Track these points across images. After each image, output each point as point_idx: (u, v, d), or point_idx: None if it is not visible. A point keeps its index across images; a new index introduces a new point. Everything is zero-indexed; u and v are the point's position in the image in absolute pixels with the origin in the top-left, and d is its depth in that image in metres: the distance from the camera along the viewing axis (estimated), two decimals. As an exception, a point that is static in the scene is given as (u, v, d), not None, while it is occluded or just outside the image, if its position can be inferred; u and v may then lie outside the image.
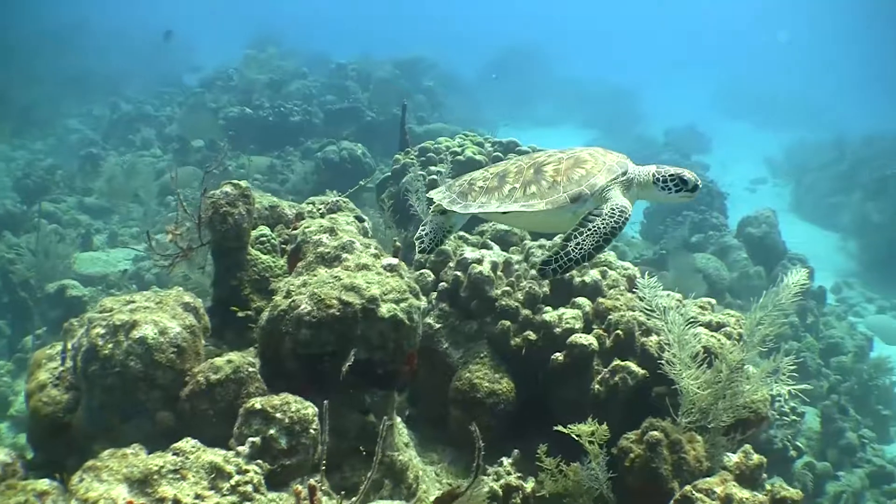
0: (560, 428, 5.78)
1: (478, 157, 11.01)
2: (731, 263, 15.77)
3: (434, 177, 10.68)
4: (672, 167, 5.18)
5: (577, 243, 4.79)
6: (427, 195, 5.93)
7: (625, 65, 55.97)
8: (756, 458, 6.12)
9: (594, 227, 4.81)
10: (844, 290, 22.50)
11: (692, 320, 6.37)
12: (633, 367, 6.52)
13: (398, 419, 6.29)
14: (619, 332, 6.72)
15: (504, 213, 5.18)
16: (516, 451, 6.18)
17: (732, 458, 6.09)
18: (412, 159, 11.46)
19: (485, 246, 7.82)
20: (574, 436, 5.71)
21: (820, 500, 11.38)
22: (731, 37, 72.46)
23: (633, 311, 6.94)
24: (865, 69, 57.00)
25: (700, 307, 7.17)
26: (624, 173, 5.15)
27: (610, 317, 6.89)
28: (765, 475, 6.24)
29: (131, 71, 34.02)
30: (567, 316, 6.91)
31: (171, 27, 31.97)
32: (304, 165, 19.34)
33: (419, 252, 5.84)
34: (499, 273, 7.08)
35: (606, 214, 4.85)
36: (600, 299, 7.11)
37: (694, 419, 6.16)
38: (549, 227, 5.66)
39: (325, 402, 4.23)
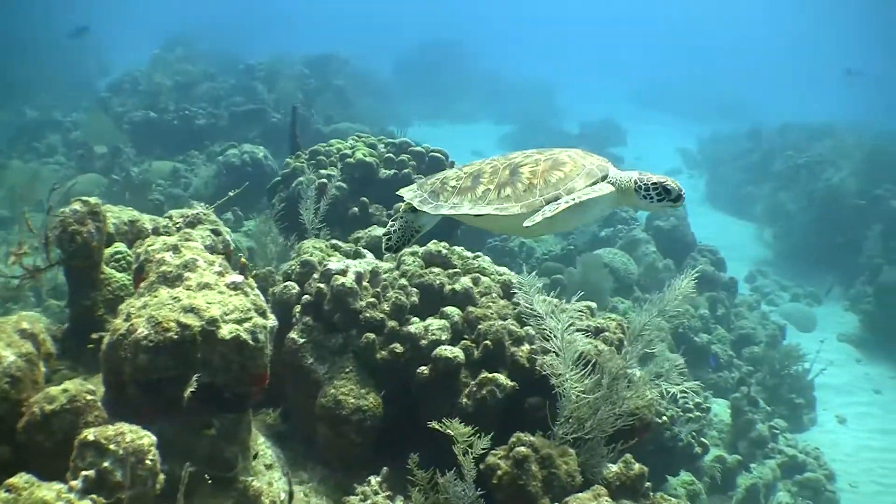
0: (434, 425, 5.59)
1: (368, 158, 10.73)
2: (640, 257, 15.64)
3: (324, 180, 10.40)
4: (655, 175, 5.01)
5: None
6: (397, 192, 5.56)
7: (543, 60, 56.09)
8: (637, 467, 5.97)
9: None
10: (759, 280, 22.63)
11: (570, 326, 6.15)
12: (502, 379, 6.27)
13: (261, 439, 5.99)
14: (487, 342, 6.47)
15: (477, 215, 5.03)
16: (385, 468, 5.92)
17: (612, 469, 5.92)
18: (303, 163, 11.15)
19: (357, 254, 7.52)
20: (452, 441, 5.51)
21: (732, 494, 11.29)
22: (650, 32, 73.05)
23: (505, 319, 6.70)
24: (781, 61, 57.73)
25: (579, 311, 6.95)
26: (604, 178, 5.00)
27: (480, 326, 6.62)
28: (648, 483, 6.08)
29: (44, 76, 33.24)
30: (433, 327, 6.62)
31: (86, 27, 31.36)
32: (207, 169, 18.92)
33: (385, 250, 5.60)
34: (364, 284, 6.77)
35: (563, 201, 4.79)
36: (470, 308, 6.82)
37: (571, 430, 5.98)
38: (524, 230, 5.23)
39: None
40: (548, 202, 4.77)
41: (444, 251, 7.43)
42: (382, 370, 6.53)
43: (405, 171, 10.73)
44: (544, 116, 39.63)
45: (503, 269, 7.71)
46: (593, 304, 7.50)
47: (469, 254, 7.68)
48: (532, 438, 5.76)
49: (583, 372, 6.04)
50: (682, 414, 9.93)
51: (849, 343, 19.86)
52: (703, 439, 10.15)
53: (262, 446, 5.95)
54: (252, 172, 16.79)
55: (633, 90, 55.62)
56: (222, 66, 30.85)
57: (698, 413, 10.15)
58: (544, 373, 6.08)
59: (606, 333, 7.06)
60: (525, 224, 4.75)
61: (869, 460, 14.88)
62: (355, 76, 34.76)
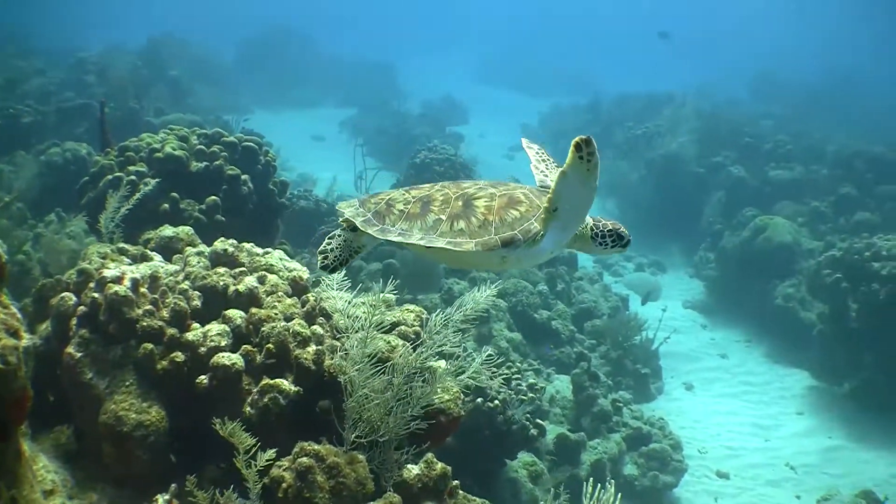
0: (219, 429, 5.26)
1: (178, 152, 10.13)
2: (478, 237, 15.41)
3: (133, 178, 9.82)
4: (607, 220, 5.09)
5: None
6: (337, 207, 5.27)
7: (384, 42, 55.75)
8: (440, 467, 5.66)
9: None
10: (604, 251, 22.67)
11: (362, 323, 5.83)
12: (285, 384, 5.82)
13: (42, 462, 5.49)
14: (270, 345, 6.03)
15: (427, 247, 4.78)
16: (174, 485, 5.48)
17: (413, 471, 5.60)
18: (112, 160, 10.53)
19: (144, 258, 6.98)
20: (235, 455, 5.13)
21: (577, 472, 11.12)
22: (490, 9, 73.35)
23: (291, 320, 6.28)
24: (621, 31, 58.49)
25: (373, 306, 6.56)
26: None
27: (263, 329, 6.18)
28: (455, 482, 5.78)
29: None
30: (212, 333, 6.05)
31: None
32: (30, 170, 18.01)
33: (321, 268, 5.23)
34: (143, 290, 6.24)
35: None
36: (254, 310, 6.35)
37: (364, 433, 5.64)
38: (473, 265, 5.24)
39: None
40: (503, 242, 4.68)
41: (231, 249, 6.92)
42: (165, 381, 5.99)
43: (216, 162, 10.20)
44: (386, 98, 39.19)
45: (294, 265, 7.21)
46: (392, 297, 7.08)
47: (259, 250, 7.18)
48: (317, 447, 5.38)
49: (372, 371, 5.69)
50: (514, 396, 9.68)
51: (694, 309, 20.10)
52: (538, 420, 9.93)
53: (43, 471, 5.44)
54: (76, 171, 15.95)
55: (475, 68, 55.93)
56: (55, 61, 29.66)
57: (532, 394, 9.93)
58: (335, 375, 5.74)
59: (403, 327, 6.70)
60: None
61: (717, 425, 15.05)
62: (194, 64, 34.00)
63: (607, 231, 5.03)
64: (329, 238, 5.26)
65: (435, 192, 5.03)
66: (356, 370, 5.65)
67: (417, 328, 6.61)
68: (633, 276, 21.41)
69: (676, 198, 24.04)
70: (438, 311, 6.15)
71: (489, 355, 6.28)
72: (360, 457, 5.46)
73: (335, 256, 5.19)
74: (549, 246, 4.86)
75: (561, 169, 4.44)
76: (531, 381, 10.30)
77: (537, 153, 5.80)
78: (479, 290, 6.10)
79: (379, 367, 5.80)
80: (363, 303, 6.30)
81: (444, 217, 4.80)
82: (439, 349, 5.91)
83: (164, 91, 28.31)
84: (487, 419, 9.29)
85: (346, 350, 5.72)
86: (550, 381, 13.30)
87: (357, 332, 5.79)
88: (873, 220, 21.49)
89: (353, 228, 5.12)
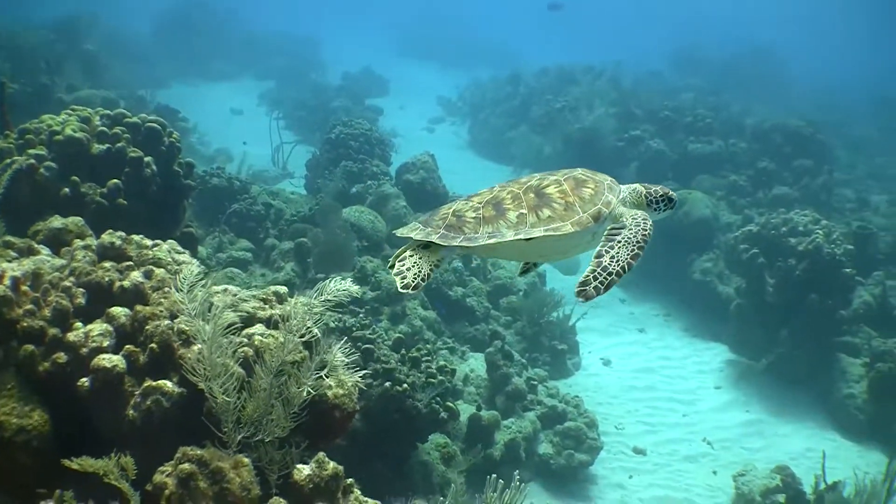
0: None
1: (78, 134, 9.58)
2: (390, 213, 15.06)
3: (32, 161, 9.31)
4: (656, 186, 5.32)
5: (612, 256, 4.74)
6: (398, 234, 5.10)
7: (305, 14, 55.08)
8: (331, 466, 5.32)
9: (624, 238, 4.81)
10: (520, 227, 22.46)
11: (232, 322, 5.47)
12: (168, 386, 5.43)
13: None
14: (153, 345, 5.63)
15: (528, 239, 4.73)
16: (58, 491, 5.09)
17: (304, 472, 5.28)
18: (11, 143, 9.99)
19: (31, 251, 6.47)
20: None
21: (491, 451, 10.92)
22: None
23: (177, 317, 5.86)
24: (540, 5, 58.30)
25: (262, 300, 6.17)
26: (620, 191, 5.16)
27: (147, 327, 5.76)
28: (349, 480, 5.47)
29: None
30: (94, 333, 5.60)
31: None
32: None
33: (402, 288, 4.85)
34: (24, 288, 5.78)
35: (632, 224, 4.88)
36: (138, 307, 5.90)
37: (249, 434, 5.30)
38: (564, 252, 5.24)
39: None
40: (593, 218, 4.80)
41: (119, 242, 6.46)
42: (48, 384, 5.56)
43: (119, 144, 9.71)
44: (305, 70, 38.80)
45: (183, 258, 6.75)
46: (283, 290, 6.64)
47: (148, 242, 6.71)
48: (200, 452, 5.03)
49: (225, 378, 5.34)
50: (423, 379, 9.42)
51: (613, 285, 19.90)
52: (449, 403, 9.68)
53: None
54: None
55: (396, 41, 55.59)
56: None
57: (441, 377, 9.66)
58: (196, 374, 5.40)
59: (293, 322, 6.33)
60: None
61: (634, 400, 14.97)
62: (110, 38, 33.07)
63: (660, 196, 5.25)
64: (400, 260, 4.97)
65: (498, 192, 4.99)
66: (219, 371, 5.30)
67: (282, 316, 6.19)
68: (550, 251, 21.21)
69: (593, 169, 23.81)
70: (299, 297, 5.76)
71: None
72: (246, 460, 5.13)
73: (415, 274, 4.87)
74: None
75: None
76: (441, 362, 10.02)
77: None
78: (330, 285, 5.71)
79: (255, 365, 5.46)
80: (244, 297, 5.96)
81: (524, 211, 4.79)
82: (302, 339, 5.54)
83: (79, 66, 27.41)
84: (396, 403, 9.09)
85: (213, 348, 5.34)
86: (465, 359, 13.12)
87: (225, 330, 5.43)
88: (791, 195, 21.63)
89: (424, 246, 4.95)
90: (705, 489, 12.74)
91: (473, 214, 4.86)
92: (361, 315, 10.96)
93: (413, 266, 4.87)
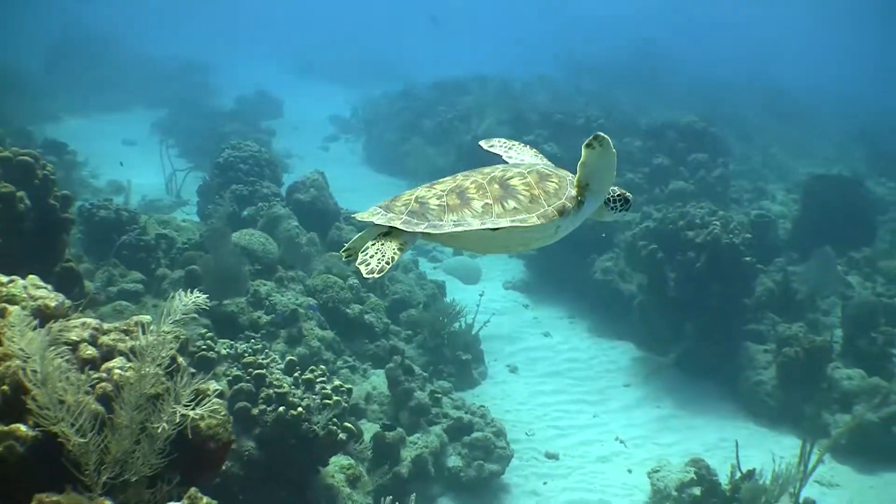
0: None
1: None
2: (282, 234, 14.66)
3: None
4: (613, 186, 5.30)
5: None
6: (358, 217, 5.06)
7: (194, 40, 54.23)
8: (204, 502, 5.01)
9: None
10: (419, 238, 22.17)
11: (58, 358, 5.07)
12: (22, 430, 5.03)
13: None
14: (4, 388, 5.23)
15: (495, 229, 4.72)
16: None
17: (176, 510, 4.95)
18: None
19: None
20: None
21: (398, 469, 10.63)
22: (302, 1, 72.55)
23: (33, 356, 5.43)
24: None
25: (124, 331, 5.78)
26: None
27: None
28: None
29: None
30: None
31: None
32: None
33: (367, 275, 4.60)
34: None
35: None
36: None
37: (114, 475, 4.95)
38: (526, 243, 5.32)
39: None
40: (559, 212, 4.83)
41: None
42: None
43: (-12, 181, 9.30)
44: (198, 96, 38.16)
45: (41, 293, 6.30)
46: (147, 319, 6.20)
47: (3, 278, 6.28)
48: (57, 498, 4.65)
49: (91, 406, 4.96)
50: (318, 401, 9.11)
51: (515, 290, 19.79)
52: (347, 423, 9.35)
53: None
54: None
55: (288, 62, 55.22)
56: None
57: (337, 397, 9.33)
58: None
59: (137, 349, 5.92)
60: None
61: (543, 405, 14.73)
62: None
63: (617, 196, 5.32)
64: (363, 251, 4.75)
65: (461, 181, 4.98)
66: (59, 415, 4.93)
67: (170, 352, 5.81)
68: (451, 260, 20.96)
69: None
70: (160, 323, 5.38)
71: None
72: (107, 501, 4.77)
73: (378, 259, 4.65)
74: (588, 209, 5.08)
75: (579, 163, 4.81)
76: (336, 382, 9.69)
77: (503, 146, 6.02)
78: (178, 302, 5.39)
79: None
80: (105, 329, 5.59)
81: (489, 201, 4.78)
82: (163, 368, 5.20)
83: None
84: (292, 428, 8.71)
85: (50, 386, 4.96)
86: (367, 377, 12.80)
87: (59, 368, 5.03)
88: (688, 189, 21.68)
89: (385, 234, 4.80)
90: (621, 488, 12.55)
91: (437, 202, 4.81)
92: (253, 340, 10.66)
93: (376, 252, 4.70)
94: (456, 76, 35.83)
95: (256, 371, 8.97)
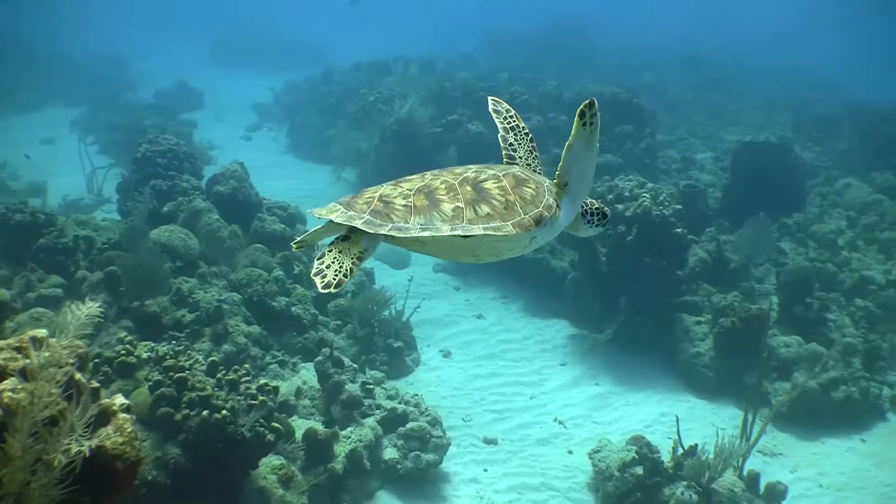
0: None
1: None
2: (203, 228, 14.17)
3: None
4: (591, 199, 5.18)
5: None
6: (315, 214, 4.53)
7: (111, 34, 53.20)
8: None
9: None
10: (347, 225, 21.82)
11: None
12: None
13: None
14: None
15: (465, 236, 4.38)
16: None
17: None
18: None
19: None
20: None
21: (333, 466, 10.28)
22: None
23: None
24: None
25: (16, 348, 5.22)
26: None
27: None
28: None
29: None
30: None
31: None
32: None
33: (323, 289, 4.25)
34: None
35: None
36: None
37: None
38: (497, 254, 4.83)
39: None
40: (535, 221, 4.52)
41: None
42: None
43: None
44: (116, 91, 37.31)
45: None
46: (42, 333, 5.73)
47: None
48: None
49: None
50: (243, 402, 8.74)
51: (445, 272, 19.46)
52: (275, 423, 8.99)
53: None
54: None
55: (208, 51, 54.49)
56: None
57: (263, 397, 8.97)
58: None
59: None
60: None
61: (480, 389, 14.45)
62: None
63: (594, 209, 5.16)
64: (318, 259, 4.37)
65: (430, 181, 4.65)
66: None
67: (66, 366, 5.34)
68: (380, 246, 20.64)
69: (415, 161, 23.26)
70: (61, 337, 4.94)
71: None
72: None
73: (335, 271, 4.27)
74: (564, 220, 4.85)
75: (567, 143, 4.54)
76: (262, 381, 9.33)
77: (505, 119, 5.48)
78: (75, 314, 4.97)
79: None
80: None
81: (460, 204, 4.46)
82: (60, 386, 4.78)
83: None
84: (217, 431, 8.36)
85: None
86: (297, 371, 12.45)
87: None
88: (615, 162, 21.49)
89: (345, 237, 4.47)
90: (562, 470, 12.30)
91: (403, 202, 4.45)
92: (175, 342, 10.27)
93: (333, 262, 4.31)
94: (378, 58, 35.34)
95: (178, 374, 8.59)
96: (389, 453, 11.34)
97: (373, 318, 14.25)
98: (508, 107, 5.52)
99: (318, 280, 4.24)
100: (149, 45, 52.15)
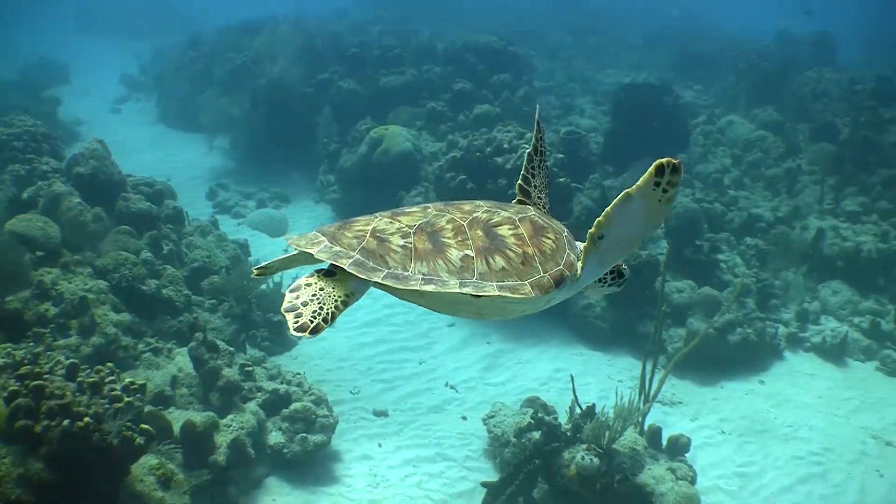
0: None
1: None
2: (64, 213, 13.30)
3: None
4: None
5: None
6: (293, 244, 3.77)
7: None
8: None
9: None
10: (221, 194, 21.13)
11: None
12: None
13: None
14: None
15: (477, 296, 3.63)
16: None
17: None
18: None
19: None
20: None
21: (215, 458, 9.71)
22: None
23: None
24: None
25: None
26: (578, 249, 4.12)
27: None
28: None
29: None
30: None
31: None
32: None
33: (296, 331, 3.42)
34: None
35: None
36: None
37: None
38: (506, 314, 4.08)
39: None
40: (555, 282, 3.83)
41: None
42: None
43: None
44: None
45: None
46: None
47: None
48: None
49: None
50: (108, 405, 8.13)
51: (326, 237, 18.93)
52: (143, 425, 8.39)
53: None
54: None
55: (72, 21, 52.58)
56: None
57: (129, 398, 8.35)
58: None
59: None
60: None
61: (367, 358, 14.01)
62: None
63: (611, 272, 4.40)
64: (293, 290, 3.63)
65: (434, 217, 3.91)
66: None
67: None
68: (256, 214, 20.02)
69: (289, 124, 22.78)
70: None
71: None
72: None
73: (314, 312, 3.50)
74: (585, 281, 4.15)
75: (626, 190, 3.67)
76: (127, 380, 8.70)
77: (539, 140, 4.80)
78: None
79: None
80: None
81: (470, 252, 3.72)
82: None
83: None
84: (81, 441, 7.68)
85: None
86: (172, 357, 11.72)
87: None
88: (493, 112, 21.09)
89: (329, 273, 3.71)
90: (458, 438, 11.94)
91: (402, 242, 3.74)
92: (34, 343, 9.60)
93: (312, 300, 3.56)
94: (246, 18, 34.33)
95: (34, 382, 7.91)
96: (275, 438, 10.78)
97: (249, 293, 13.63)
98: (544, 127, 4.89)
99: (290, 318, 3.49)
100: (11, 13, 50.19)
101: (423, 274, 3.62)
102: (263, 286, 14.05)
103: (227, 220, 19.35)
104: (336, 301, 3.62)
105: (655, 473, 10.23)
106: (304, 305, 3.53)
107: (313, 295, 3.59)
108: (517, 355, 14.23)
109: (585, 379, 13.09)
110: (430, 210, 4.00)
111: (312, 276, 3.70)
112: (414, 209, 4.03)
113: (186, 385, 11.00)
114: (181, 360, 11.39)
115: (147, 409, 9.29)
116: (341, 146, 20.35)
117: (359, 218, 3.98)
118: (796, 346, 15.00)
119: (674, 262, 15.02)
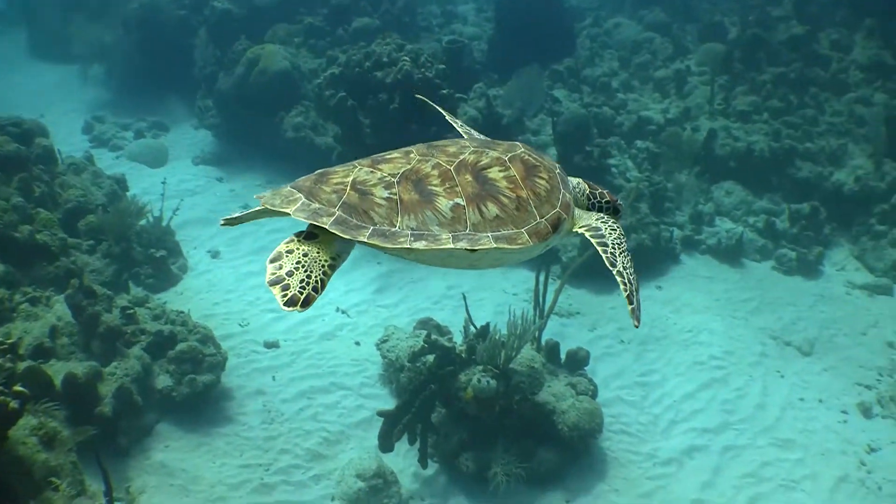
0: None
1: None
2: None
3: None
4: (601, 189, 4.30)
5: (629, 272, 3.88)
6: (266, 204, 3.44)
7: None
8: None
9: (617, 243, 3.93)
10: (97, 127, 20.35)
11: None
12: None
13: None
14: None
15: (471, 250, 3.40)
16: None
17: None
18: None
19: None
20: None
21: (101, 409, 9.39)
22: None
23: None
24: None
25: None
26: (571, 187, 4.06)
27: None
28: None
29: None
30: None
31: None
32: None
33: (286, 305, 3.14)
34: None
35: (609, 232, 3.95)
36: None
37: None
38: (497, 263, 3.82)
39: None
40: (552, 226, 3.65)
41: None
42: None
43: None
44: None
45: None
46: None
47: None
48: None
49: None
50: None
51: (206, 164, 18.43)
52: (17, 386, 8.03)
53: None
54: None
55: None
56: None
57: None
58: None
59: None
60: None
61: (254, 288, 13.65)
62: None
63: (605, 202, 4.27)
64: (273, 261, 3.31)
65: (417, 163, 3.61)
66: None
67: None
68: (134, 145, 19.38)
69: (164, 48, 21.96)
70: None
71: None
72: None
73: (303, 281, 3.17)
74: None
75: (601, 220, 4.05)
76: None
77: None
78: None
79: None
80: None
81: (461, 201, 3.46)
82: None
83: None
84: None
85: None
86: (51, 305, 11.28)
87: None
88: (372, 25, 20.52)
89: (310, 235, 3.40)
90: (352, 366, 11.79)
91: (386, 194, 3.45)
92: None
93: (297, 269, 3.25)
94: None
95: None
96: (162, 381, 10.47)
97: (129, 230, 13.17)
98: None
99: (277, 292, 3.22)
100: None
101: (412, 229, 3.39)
102: (143, 221, 13.59)
103: (104, 153, 18.70)
104: (323, 266, 3.34)
105: (555, 390, 10.21)
106: (290, 276, 3.26)
107: (297, 263, 3.31)
108: (408, 274, 14.01)
109: (479, 294, 13.00)
110: (412, 154, 3.73)
111: (292, 240, 3.42)
112: (394, 154, 3.76)
113: (67, 334, 10.56)
114: (60, 308, 10.93)
115: (24, 365, 8.93)
116: (218, 69, 19.73)
117: (336, 168, 3.72)
118: (692, 249, 15.11)
119: (564, 168, 14.91)
